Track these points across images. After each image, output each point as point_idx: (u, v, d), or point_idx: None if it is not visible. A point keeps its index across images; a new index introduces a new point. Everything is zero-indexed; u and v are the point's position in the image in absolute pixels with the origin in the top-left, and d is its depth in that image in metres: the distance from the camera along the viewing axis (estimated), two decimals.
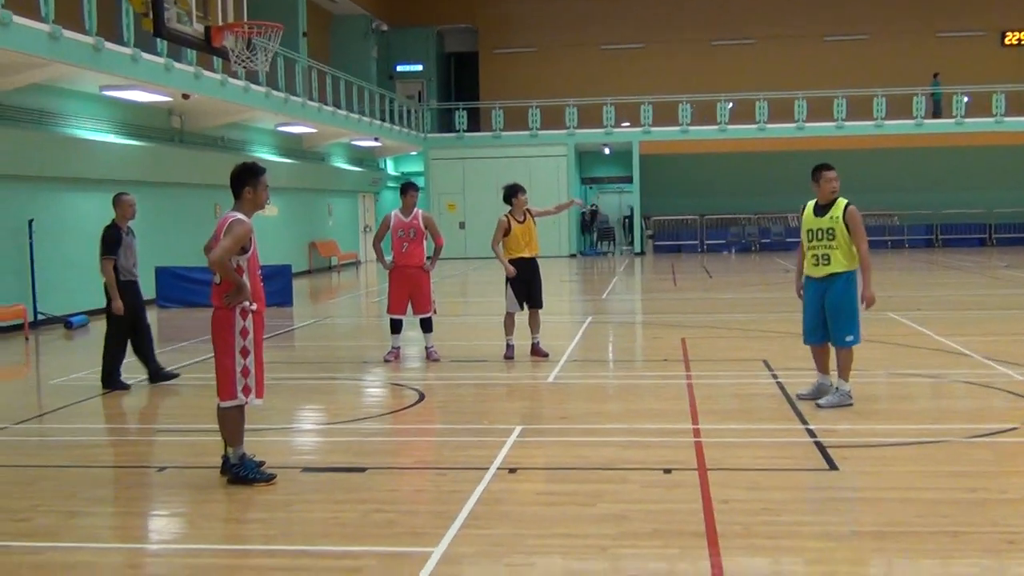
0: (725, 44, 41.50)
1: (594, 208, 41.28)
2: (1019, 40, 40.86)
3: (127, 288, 10.74)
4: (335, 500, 6.52)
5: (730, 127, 37.32)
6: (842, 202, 9.01)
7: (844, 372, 9.06)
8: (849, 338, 9.01)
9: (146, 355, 11.11)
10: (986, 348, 12.13)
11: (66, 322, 16.90)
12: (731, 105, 37.73)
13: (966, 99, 36.93)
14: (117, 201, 10.86)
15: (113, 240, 10.62)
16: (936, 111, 37.44)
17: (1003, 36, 40.90)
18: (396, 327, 12.50)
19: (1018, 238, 38.01)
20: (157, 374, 11.07)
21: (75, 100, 18.88)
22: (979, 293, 20.27)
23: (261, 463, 7.00)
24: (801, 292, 9.47)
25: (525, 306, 12.33)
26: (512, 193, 12.27)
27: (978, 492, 6.34)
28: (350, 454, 7.89)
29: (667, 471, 6.97)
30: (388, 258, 12.50)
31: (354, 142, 33.71)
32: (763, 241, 38.58)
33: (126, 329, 10.90)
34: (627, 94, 38.35)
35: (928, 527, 5.69)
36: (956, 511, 5.97)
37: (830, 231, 8.96)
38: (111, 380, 10.76)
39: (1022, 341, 13.01)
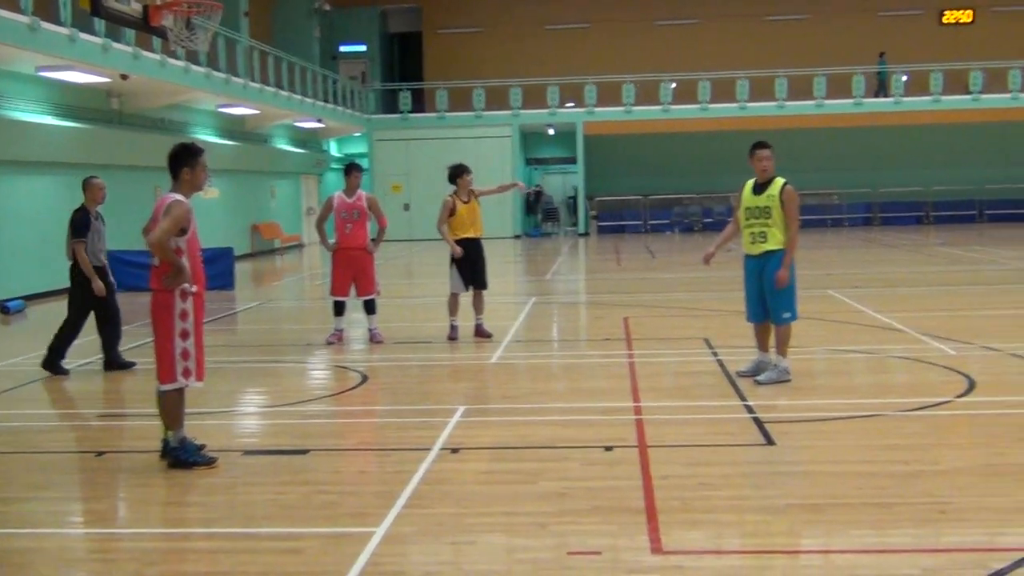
0: (668, 24, 41.68)
1: (538, 189, 41.35)
2: (957, 19, 41.49)
3: (94, 273, 10.61)
4: (277, 482, 6.51)
5: (673, 107, 37.51)
6: (779, 181, 9.12)
7: (782, 348, 9.19)
8: (786, 315, 9.14)
9: (112, 342, 10.94)
10: (921, 324, 12.37)
11: (2, 307, 16.62)
12: (674, 85, 37.92)
13: (904, 78, 37.45)
14: (87, 185, 10.77)
15: (82, 224, 10.51)
16: (882, 90, 37.91)
17: (941, 15, 41.50)
18: (339, 309, 12.46)
19: (954, 216, 38.68)
20: (113, 363, 10.90)
21: (11, 81, 18.53)
22: (915, 270, 20.63)
23: (202, 446, 6.96)
24: (709, 257, 9.59)
25: (470, 287, 12.35)
26: (457, 173, 12.26)
27: (911, 464, 6.48)
28: (292, 436, 7.88)
29: (608, 448, 7.04)
30: (331, 240, 12.44)
31: (297, 123, 33.45)
32: (706, 221, 38.87)
33: (85, 315, 10.76)
34: (571, 75, 38.40)
35: (863, 499, 5.81)
36: (890, 483, 6.10)
37: (767, 209, 9.07)
38: (53, 364, 10.61)
39: (955, 317, 13.28)
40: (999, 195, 39.09)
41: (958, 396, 8.45)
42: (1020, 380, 9.28)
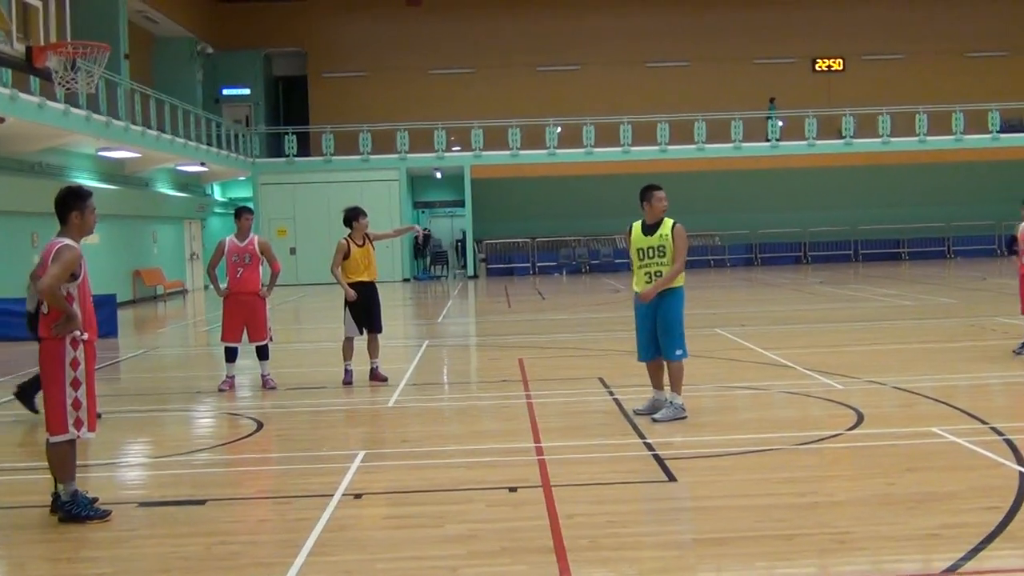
0: (552, 70, 42.31)
1: (427, 232, 41.37)
2: (828, 67, 43.09)
3: None
4: (175, 534, 6.32)
5: (559, 151, 38.05)
6: (669, 221, 9.30)
7: (676, 386, 9.34)
8: (679, 352, 9.30)
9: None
10: (807, 360, 12.70)
11: None
12: (559, 130, 38.48)
13: (780, 123, 38.68)
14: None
15: None
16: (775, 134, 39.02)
17: (814, 63, 43.06)
18: (231, 355, 12.23)
19: (830, 255, 39.98)
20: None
21: None
22: (798, 308, 21.20)
23: (94, 499, 6.73)
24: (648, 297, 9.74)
25: (364, 331, 12.26)
26: (353, 216, 12.20)
27: (808, 496, 6.63)
28: (188, 486, 7.67)
29: (512, 489, 7.03)
30: (223, 285, 12.23)
31: (179, 167, 32.85)
32: (593, 262, 39.39)
33: None
34: (458, 118, 38.66)
35: (764, 531, 5.92)
36: (790, 515, 6.23)
37: (660, 248, 9.24)
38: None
39: (840, 352, 13.66)
40: (872, 235, 40.56)
41: (848, 429, 8.69)
42: (905, 412, 9.59)
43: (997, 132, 38.38)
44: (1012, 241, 13.49)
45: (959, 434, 8.22)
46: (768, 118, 38.89)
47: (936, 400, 9.87)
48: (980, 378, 11.33)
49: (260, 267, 12.20)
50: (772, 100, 39.52)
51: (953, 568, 5.19)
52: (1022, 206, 13.03)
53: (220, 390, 12.02)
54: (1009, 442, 7.89)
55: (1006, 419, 8.82)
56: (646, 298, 9.24)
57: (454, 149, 38.61)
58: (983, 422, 8.72)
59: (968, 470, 7.17)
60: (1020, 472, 6.99)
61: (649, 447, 8.21)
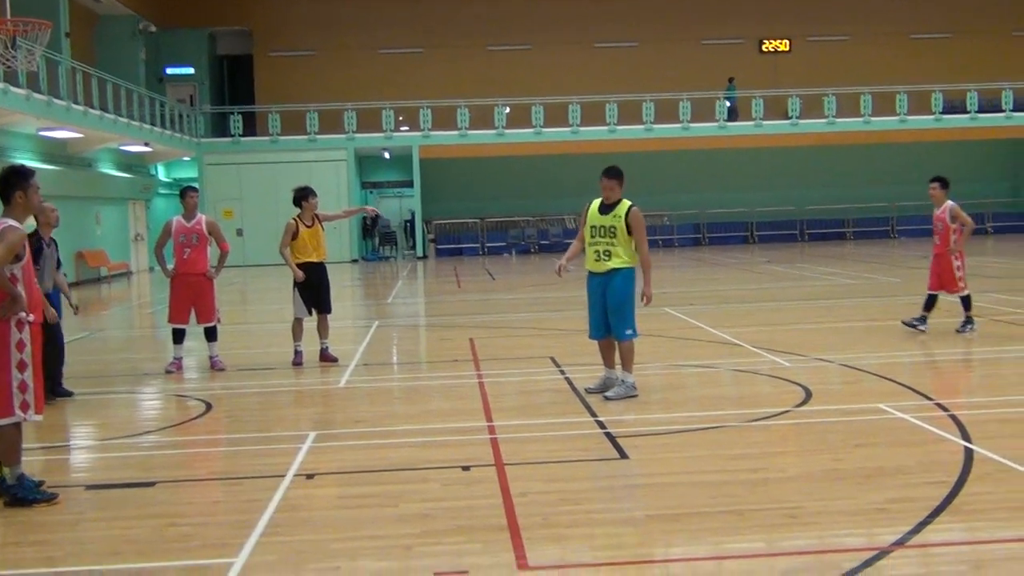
0: (502, 50, 42.18)
1: (376, 213, 41.09)
2: (775, 48, 43.38)
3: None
4: (124, 517, 6.25)
5: (508, 131, 37.99)
6: (626, 203, 9.33)
7: (627, 365, 9.39)
8: (628, 331, 9.35)
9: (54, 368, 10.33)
10: (755, 338, 12.83)
11: None
12: (508, 110, 38.41)
13: (728, 104, 38.90)
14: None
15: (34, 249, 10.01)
16: (733, 114, 39.19)
17: (760, 44, 43.32)
18: (178, 337, 12.10)
19: (777, 235, 40.38)
20: (54, 391, 10.28)
21: None
22: (746, 287, 21.39)
23: (41, 482, 6.63)
24: (561, 269, 9.76)
25: (312, 311, 12.18)
26: (303, 196, 12.10)
27: (759, 472, 6.70)
28: (137, 469, 7.58)
29: (466, 468, 7.04)
30: (170, 266, 12.08)
31: (123, 147, 32.36)
32: (542, 243, 39.43)
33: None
34: (406, 98, 38.43)
35: (717, 507, 5.98)
36: (741, 491, 6.29)
37: (612, 228, 9.27)
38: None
39: (787, 330, 13.82)
40: (818, 215, 41.02)
41: (796, 406, 8.80)
42: (851, 389, 9.72)
43: (940, 113, 38.90)
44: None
45: (905, 410, 8.34)
46: (728, 98, 39.01)
47: (882, 377, 10.01)
48: (925, 355, 11.51)
49: (208, 248, 12.06)
50: (731, 80, 39.69)
51: (900, 542, 5.27)
52: (930, 186, 13.05)
53: (167, 372, 11.89)
54: (954, 418, 8.03)
55: (950, 395, 8.98)
56: (647, 299, 9.33)
57: (402, 129, 38.40)
58: (928, 398, 8.86)
59: (914, 445, 7.29)
60: (965, 447, 7.12)
61: (601, 425, 8.25)
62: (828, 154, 40.78)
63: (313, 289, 12.10)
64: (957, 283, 12.78)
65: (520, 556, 5.23)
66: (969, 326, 12.72)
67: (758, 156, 40.60)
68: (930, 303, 13.00)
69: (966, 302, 12.82)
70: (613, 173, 9.43)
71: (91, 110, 27.32)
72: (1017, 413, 8.33)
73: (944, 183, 12.93)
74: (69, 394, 10.48)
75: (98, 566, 5.36)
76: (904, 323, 13.09)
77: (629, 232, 9.23)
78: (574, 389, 9.86)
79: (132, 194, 34.62)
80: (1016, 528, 5.48)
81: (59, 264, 10.70)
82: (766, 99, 38.68)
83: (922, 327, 12.83)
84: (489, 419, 8.67)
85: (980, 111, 38.96)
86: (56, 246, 10.53)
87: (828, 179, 41.44)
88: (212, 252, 12.13)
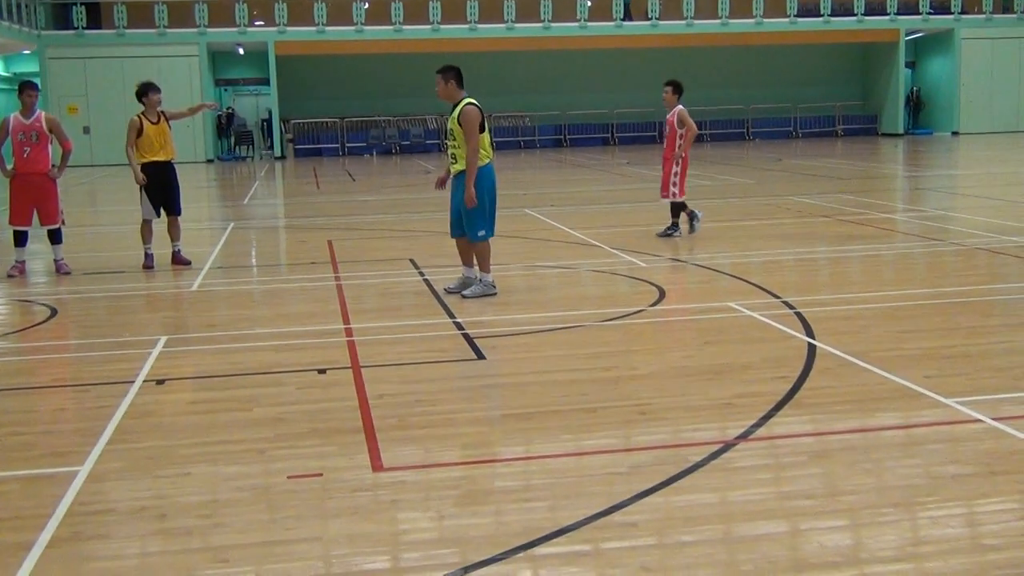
0: None
1: (230, 111, 39.90)
2: None
3: None
4: None
5: (367, 28, 37.09)
6: (462, 103, 9.20)
7: (483, 264, 9.42)
8: (481, 232, 9.34)
9: None
10: (612, 239, 13.00)
11: None
12: (367, 5, 37.45)
13: (589, 3, 38.73)
14: None
15: None
16: (627, 14, 38.88)
17: None
18: (20, 239, 11.61)
19: (636, 136, 40.76)
20: None
21: None
22: (604, 188, 21.60)
23: None
24: (440, 183, 9.74)
25: (161, 212, 11.80)
26: (143, 92, 11.63)
27: (612, 371, 6.83)
28: None
29: (322, 371, 6.98)
30: (9, 165, 11.52)
31: None
32: (403, 143, 38.97)
33: None
34: None
35: (570, 405, 6.07)
36: (594, 389, 6.40)
37: (451, 132, 9.25)
38: None
39: (643, 232, 14.00)
40: None
41: (650, 305, 8.97)
42: (704, 288, 9.97)
43: (795, 16, 39.55)
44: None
45: (754, 308, 8.59)
46: None
47: (733, 276, 10.27)
48: (774, 255, 11.84)
49: (50, 146, 11.53)
50: None
51: (745, 435, 5.46)
52: (664, 89, 13.13)
53: (9, 275, 11.41)
54: (800, 315, 8.31)
55: (797, 293, 9.26)
56: (468, 202, 9.16)
57: (257, 24, 37.08)
58: (776, 296, 9.14)
59: (761, 342, 7.53)
60: (808, 343, 7.38)
61: (459, 326, 8.27)
62: (687, 55, 41.11)
63: (161, 189, 11.72)
64: (669, 188, 13.08)
65: (375, 457, 5.22)
66: (676, 231, 13.12)
67: (618, 56, 40.68)
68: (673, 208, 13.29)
69: (676, 208, 13.13)
70: (442, 69, 9.29)
71: None
72: (858, 310, 8.67)
73: (676, 87, 12.97)
74: None
75: None
76: (659, 234, 13.26)
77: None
78: (433, 291, 9.84)
79: None
80: (854, 419, 5.73)
81: None
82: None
83: (668, 231, 13.16)
84: (347, 321, 8.60)
85: (833, 15, 39.75)
86: None
87: (687, 80, 41.80)
88: (55, 151, 11.60)
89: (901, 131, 40.95)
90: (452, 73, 9.23)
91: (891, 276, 10.70)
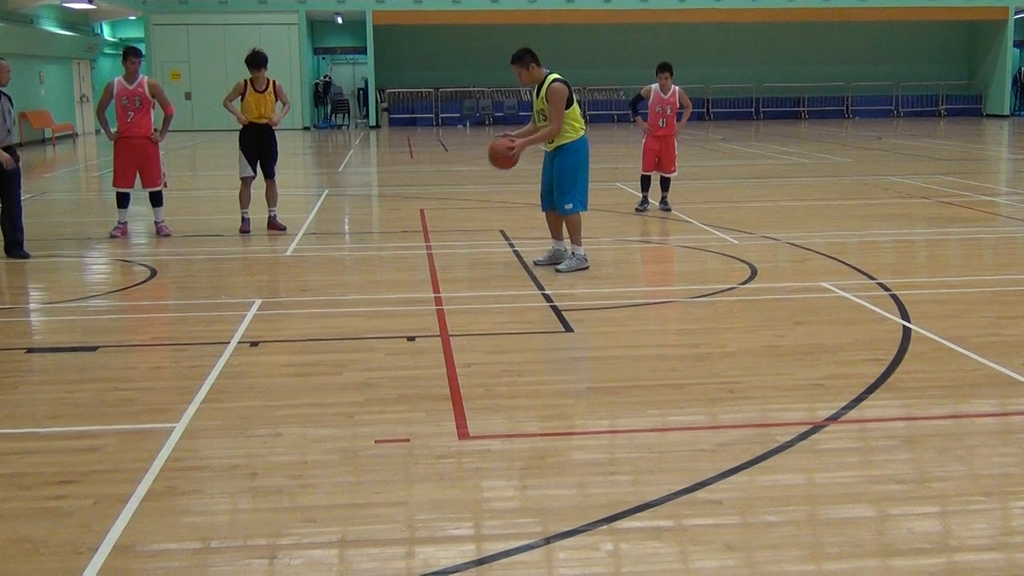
0: None
1: (327, 79, 40.34)
2: None
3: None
4: (66, 380, 6.21)
5: None
6: (549, 80, 9.17)
7: (575, 237, 9.41)
8: (568, 206, 9.32)
9: (14, 223, 10.50)
10: (705, 215, 12.87)
11: None
12: None
13: None
14: None
15: None
16: None
17: None
18: (123, 201, 11.92)
19: (732, 112, 40.21)
20: (14, 247, 10.50)
21: None
22: (699, 164, 21.35)
23: None
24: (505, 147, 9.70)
25: (257, 168, 11.96)
26: (254, 63, 11.84)
27: (701, 348, 6.78)
28: (79, 333, 7.52)
29: (411, 339, 7.05)
30: (113, 129, 11.81)
31: (65, 3, 31.23)
32: (496, 115, 38.98)
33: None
34: None
35: (657, 380, 6.05)
36: (682, 365, 6.36)
37: (542, 111, 9.26)
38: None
39: (737, 208, 13.86)
40: (774, 93, 40.82)
41: (742, 283, 8.87)
42: (796, 267, 9.81)
43: None
44: (636, 100, 13.77)
45: (847, 289, 8.44)
46: None
47: (827, 256, 10.10)
48: (870, 235, 11.61)
49: (152, 111, 11.79)
50: None
51: (835, 417, 5.38)
52: (662, 76, 13.42)
53: (112, 236, 11.73)
54: (895, 297, 8.15)
55: (892, 275, 9.08)
56: (515, 149, 9.21)
57: None
58: (871, 277, 8.97)
59: (854, 324, 7.40)
60: (903, 326, 7.24)
61: (547, 298, 8.28)
62: (786, 31, 40.41)
63: (256, 148, 11.91)
64: (675, 164, 13.60)
65: (461, 425, 5.27)
66: (647, 204, 13.49)
67: (716, 31, 40.11)
68: (646, 183, 13.61)
69: (665, 183, 13.58)
70: (513, 59, 9.27)
71: None
72: (955, 294, 8.46)
73: (672, 70, 13.49)
74: (26, 256, 10.39)
75: (38, 428, 5.33)
76: (637, 209, 13.52)
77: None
78: (522, 262, 9.86)
79: (76, 53, 33.64)
80: (947, 405, 5.61)
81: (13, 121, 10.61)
82: None
83: (644, 207, 13.48)
84: (436, 290, 8.67)
85: None
86: (11, 101, 10.39)
87: (785, 56, 41.08)
88: (157, 115, 11.87)
89: (1007, 112, 39.71)
90: (528, 57, 9.21)
91: (991, 260, 10.43)
